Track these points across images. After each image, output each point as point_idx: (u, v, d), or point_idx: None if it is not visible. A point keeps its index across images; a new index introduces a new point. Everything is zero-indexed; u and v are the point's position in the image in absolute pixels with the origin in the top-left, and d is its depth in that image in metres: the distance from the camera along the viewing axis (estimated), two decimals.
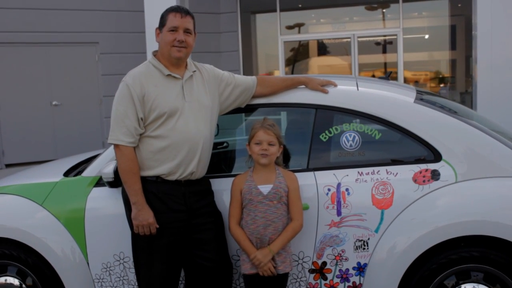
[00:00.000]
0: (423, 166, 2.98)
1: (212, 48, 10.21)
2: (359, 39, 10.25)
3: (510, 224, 2.81)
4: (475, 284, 2.88)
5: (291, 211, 2.91)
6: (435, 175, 2.96)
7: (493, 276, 2.88)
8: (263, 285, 2.92)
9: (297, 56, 11.17)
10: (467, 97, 9.98)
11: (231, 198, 2.97)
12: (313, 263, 3.03)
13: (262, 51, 11.10)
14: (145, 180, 2.86)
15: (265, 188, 2.88)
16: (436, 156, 3.00)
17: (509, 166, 2.96)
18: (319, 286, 3.05)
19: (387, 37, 10.49)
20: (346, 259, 3.00)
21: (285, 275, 2.95)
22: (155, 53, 3.00)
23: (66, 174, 3.50)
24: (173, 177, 2.86)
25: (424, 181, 2.95)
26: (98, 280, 3.22)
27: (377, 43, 10.69)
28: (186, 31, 2.91)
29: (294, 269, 3.04)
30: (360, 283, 3.01)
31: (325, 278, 3.04)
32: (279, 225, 2.88)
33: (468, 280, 2.90)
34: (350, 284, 3.03)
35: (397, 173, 2.99)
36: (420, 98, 3.29)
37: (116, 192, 3.08)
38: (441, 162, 2.98)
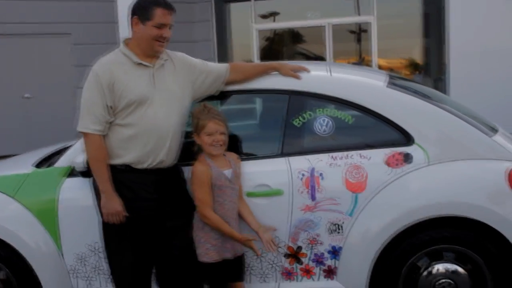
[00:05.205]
0: (396, 150, 3.01)
1: (186, 37, 10.11)
2: (334, 27, 10.26)
3: (480, 205, 2.87)
4: (447, 264, 2.93)
5: (240, 189, 2.99)
6: (408, 158, 2.99)
7: (465, 256, 2.93)
8: (224, 271, 2.94)
9: (272, 45, 11.14)
10: (441, 84, 10.08)
11: (201, 187, 2.87)
12: (288, 247, 3.04)
13: (237, 40, 11.03)
14: (114, 169, 2.83)
15: (227, 173, 2.92)
16: (408, 140, 3.03)
17: (480, 149, 3.01)
18: (294, 271, 3.07)
19: (361, 25, 10.52)
20: (321, 243, 3.01)
21: (242, 258, 3.01)
22: (127, 42, 2.94)
23: (38, 165, 3.44)
24: (142, 166, 2.84)
25: (397, 164, 2.98)
26: (73, 271, 3.18)
27: (352, 31, 10.71)
28: (169, 27, 2.89)
29: (269, 254, 3.04)
30: (335, 267, 3.04)
31: (300, 262, 3.06)
32: (237, 205, 2.95)
33: (440, 260, 2.95)
34: (325, 267, 3.05)
35: (370, 157, 3.01)
36: (393, 83, 3.31)
37: (89, 182, 3.04)
38: (414, 146, 3.01)
